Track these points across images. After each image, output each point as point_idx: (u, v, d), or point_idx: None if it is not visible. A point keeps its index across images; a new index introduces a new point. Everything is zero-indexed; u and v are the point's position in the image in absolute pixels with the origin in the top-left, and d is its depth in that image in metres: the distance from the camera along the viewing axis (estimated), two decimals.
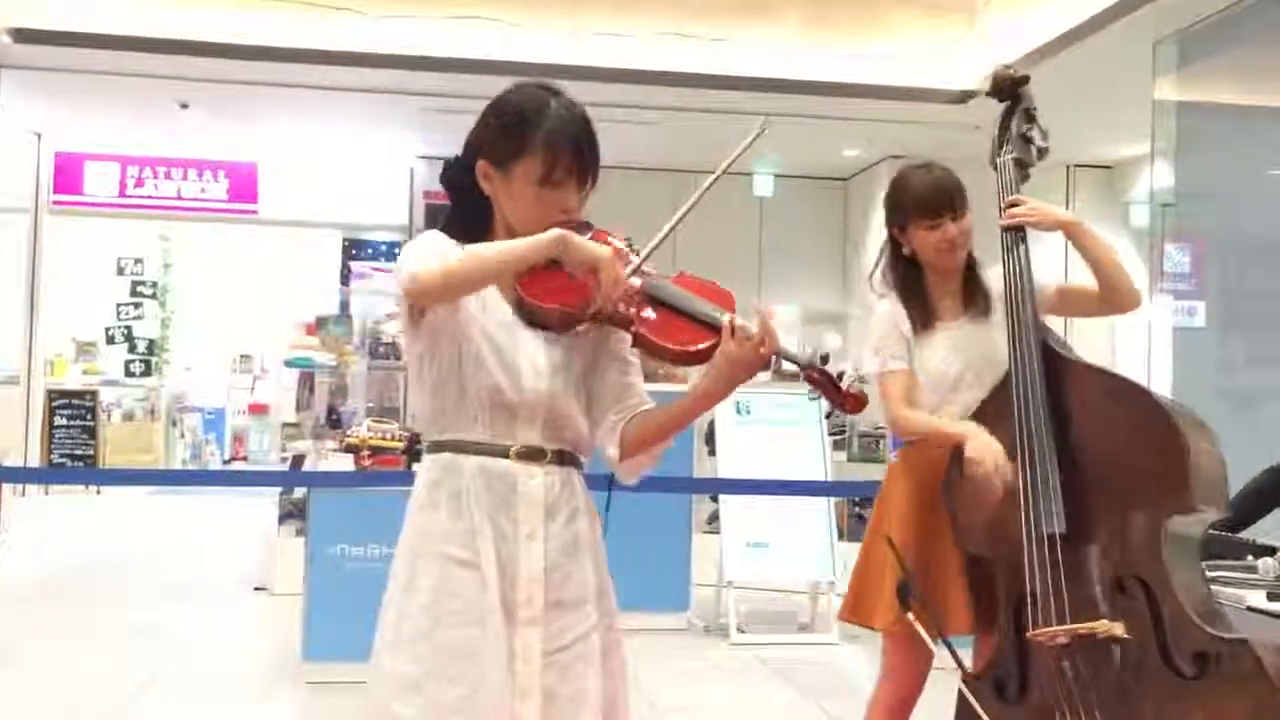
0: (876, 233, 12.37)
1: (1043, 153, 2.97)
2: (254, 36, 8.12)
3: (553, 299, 1.99)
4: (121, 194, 12.23)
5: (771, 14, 8.50)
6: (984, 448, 2.72)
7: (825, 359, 1.95)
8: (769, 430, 6.75)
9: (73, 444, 12.17)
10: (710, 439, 7.18)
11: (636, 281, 2.02)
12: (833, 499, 6.85)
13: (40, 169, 11.75)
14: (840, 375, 1.95)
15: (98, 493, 11.61)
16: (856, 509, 8.61)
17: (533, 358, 2.03)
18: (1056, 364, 2.73)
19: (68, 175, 12.09)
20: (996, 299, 2.95)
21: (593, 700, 2.02)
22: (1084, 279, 2.95)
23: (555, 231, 1.94)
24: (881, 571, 2.96)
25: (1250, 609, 2.77)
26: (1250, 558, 3.16)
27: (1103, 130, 9.49)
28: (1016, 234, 2.86)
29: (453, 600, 1.98)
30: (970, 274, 3.01)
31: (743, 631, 6.20)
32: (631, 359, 2.15)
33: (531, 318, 2.04)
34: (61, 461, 12.03)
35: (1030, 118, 2.97)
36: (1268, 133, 7.40)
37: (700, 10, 8.43)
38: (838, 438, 8.43)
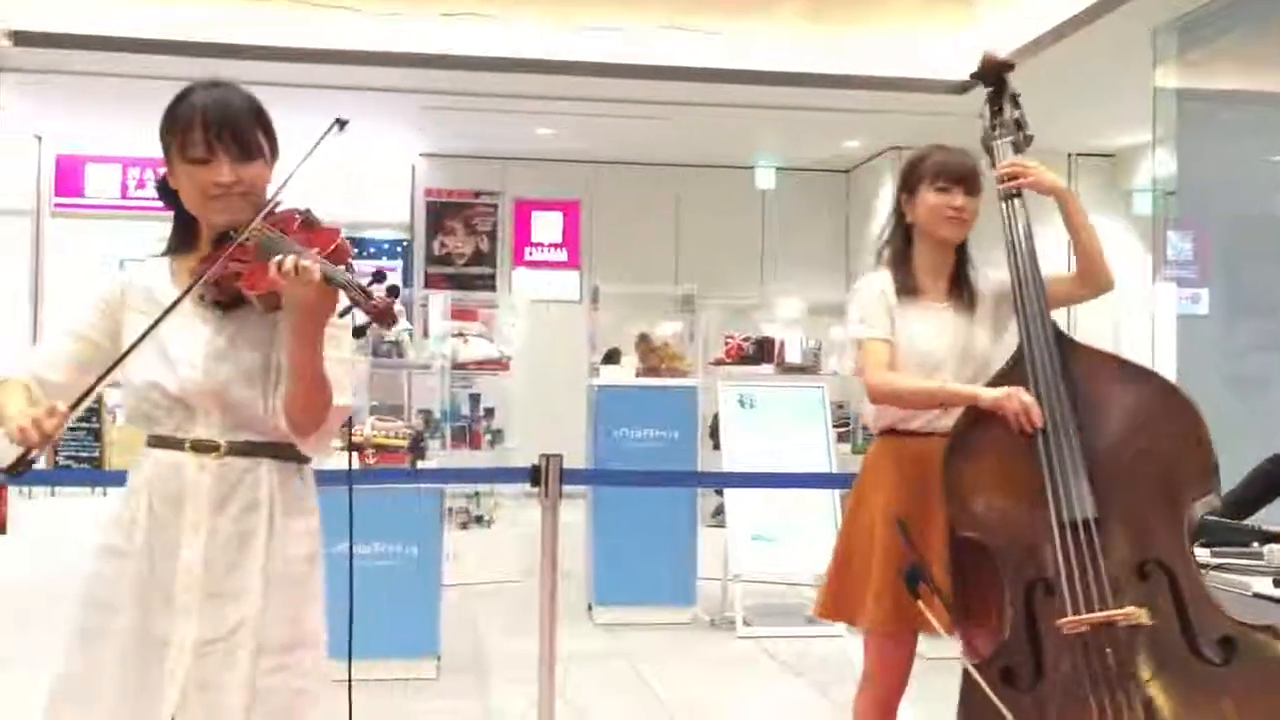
0: (879, 224, 12.35)
1: (1029, 140, 2.97)
2: (253, 36, 8.12)
3: (198, 272, 2.02)
4: (123, 195, 12.24)
5: (769, 6, 8.49)
6: (1003, 391, 2.69)
7: (379, 274, 1.94)
8: (773, 423, 6.76)
9: (78, 446, 12.18)
10: (714, 433, 7.18)
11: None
12: (837, 491, 6.85)
13: (41, 172, 11.77)
14: (391, 289, 1.92)
15: (104, 494, 11.62)
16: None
17: (190, 349, 2.06)
18: (1068, 349, 2.72)
19: (69, 178, 12.10)
20: (986, 304, 2.96)
21: (237, 691, 2.01)
22: (1054, 268, 2.93)
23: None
24: (865, 566, 2.89)
25: (1256, 595, 2.77)
26: (1256, 544, 3.16)
27: (1103, 119, 9.49)
28: (1017, 208, 2.85)
29: (96, 587, 2.07)
30: (960, 264, 3.00)
31: (749, 625, 6.20)
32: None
33: (203, 295, 2.06)
34: (67, 464, 12.04)
35: (1016, 103, 2.98)
36: (1269, 118, 7.39)
37: (698, 3, 8.42)
38: (842, 429, 8.42)
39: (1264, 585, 2.85)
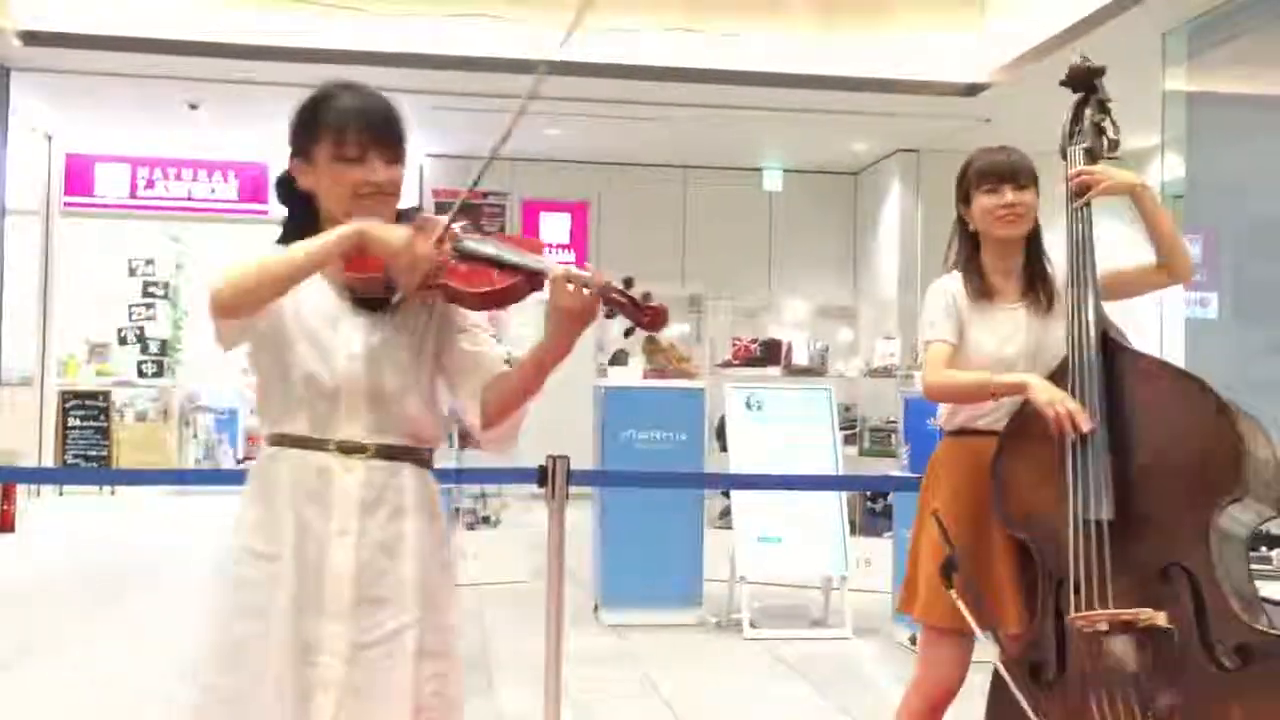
0: (887, 226, 12.40)
1: (1114, 145, 2.98)
2: (262, 36, 8.15)
3: (365, 268, 2.04)
4: (132, 195, 12.27)
5: (780, 8, 8.49)
6: (1050, 389, 2.72)
7: (628, 281, 1.95)
8: (780, 425, 6.76)
9: (86, 445, 12.22)
10: (721, 435, 7.18)
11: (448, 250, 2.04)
12: (844, 493, 6.85)
13: (51, 171, 11.80)
14: (645, 295, 1.95)
15: (111, 493, 11.65)
16: (868, 503, 8.59)
17: (348, 342, 2.05)
18: (1113, 350, 2.75)
19: (79, 177, 12.14)
20: (1062, 294, 2.95)
21: (403, 699, 2.01)
22: (1127, 262, 2.97)
23: (353, 225, 1.98)
24: (921, 560, 2.96)
25: (1265, 599, 2.76)
26: (1264, 549, 3.15)
27: None
28: (1083, 215, 2.87)
29: (244, 592, 2.03)
30: (1033, 260, 3.01)
31: (755, 626, 6.20)
32: (476, 328, 2.15)
33: (354, 292, 2.07)
34: (75, 462, 12.08)
35: (1104, 109, 2.98)
36: (1278, 122, 7.37)
37: (709, 6, 8.42)
38: (849, 432, 8.41)
39: (1273, 590, 2.85)
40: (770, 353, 8.16)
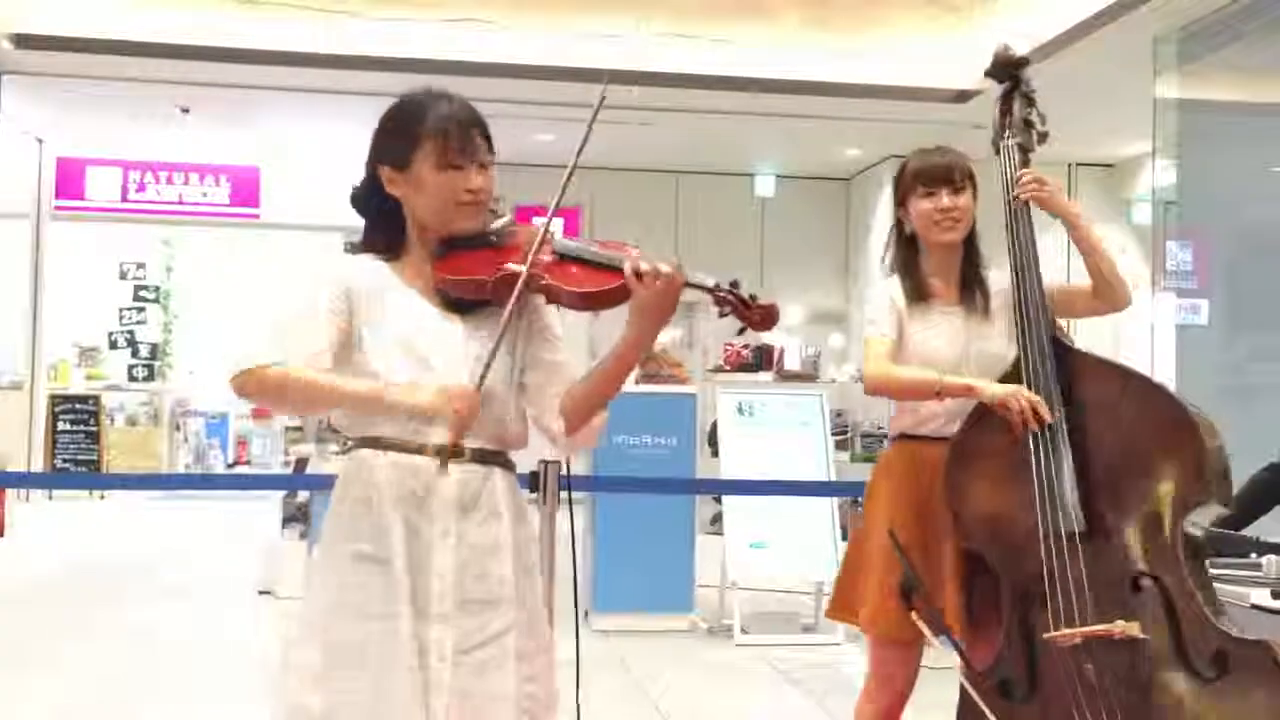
0: (879, 232, 12.37)
1: (1043, 138, 2.93)
2: (253, 40, 8.14)
3: (459, 270, 2.06)
4: (123, 198, 12.24)
5: (772, 14, 8.49)
6: (1001, 386, 2.67)
7: (735, 284, 1.99)
8: (771, 431, 6.75)
9: (76, 449, 12.19)
10: (713, 440, 7.18)
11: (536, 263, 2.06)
12: (835, 499, 6.84)
13: (42, 174, 11.77)
14: (751, 296, 1.99)
15: (101, 498, 11.62)
16: (859, 509, 8.59)
17: (446, 349, 2.05)
18: (1066, 356, 2.69)
19: (70, 180, 12.11)
20: (998, 302, 2.91)
21: (507, 700, 2.02)
22: (1079, 280, 2.93)
23: (377, 393, 2.01)
24: (868, 567, 2.90)
25: (1254, 606, 2.75)
26: (1254, 555, 3.15)
27: (1104, 128, 9.49)
28: (1023, 213, 2.82)
29: (356, 594, 2.01)
30: (969, 265, 2.97)
31: (746, 632, 6.19)
32: (556, 338, 2.16)
33: (447, 295, 2.08)
34: (65, 467, 12.04)
35: (1029, 101, 2.93)
36: (1269, 129, 7.40)
37: (700, 11, 8.42)
38: (840, 438, 8.41)
39: (1262, 596, 2.85)
40: (762, 358, 8.15)
